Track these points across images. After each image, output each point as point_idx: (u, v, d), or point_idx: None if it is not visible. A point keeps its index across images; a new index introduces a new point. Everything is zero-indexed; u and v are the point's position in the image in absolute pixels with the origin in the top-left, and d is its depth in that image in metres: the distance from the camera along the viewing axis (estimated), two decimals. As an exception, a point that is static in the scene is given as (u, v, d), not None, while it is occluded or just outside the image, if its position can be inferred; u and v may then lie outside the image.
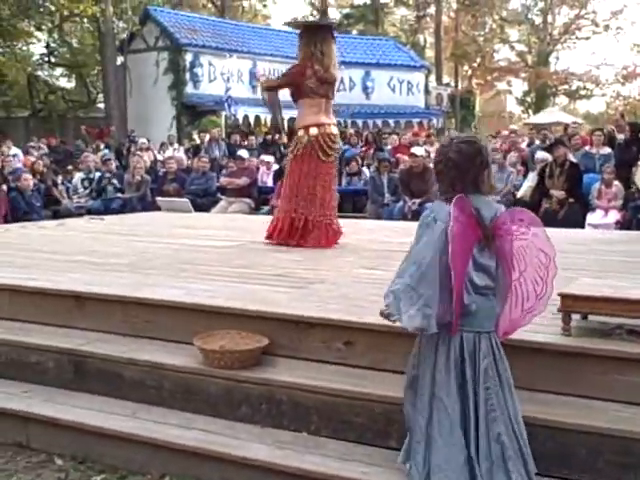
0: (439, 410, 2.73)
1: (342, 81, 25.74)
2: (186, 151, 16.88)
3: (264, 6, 43.36)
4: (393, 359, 3.44)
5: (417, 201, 10.89)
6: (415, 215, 10.59)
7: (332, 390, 3.31)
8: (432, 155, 13.62)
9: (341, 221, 6.56)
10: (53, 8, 26.57)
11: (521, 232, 2.75)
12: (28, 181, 10.43)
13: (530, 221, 2.76)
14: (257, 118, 22.30)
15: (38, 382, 3.95)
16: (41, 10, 26.57)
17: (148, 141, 17.60)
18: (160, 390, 3.65)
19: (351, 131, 20.37)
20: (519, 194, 11.11)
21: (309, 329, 3.66)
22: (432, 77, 32.07)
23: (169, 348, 3.86)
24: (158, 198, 10.48)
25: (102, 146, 17.90)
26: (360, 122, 25.14)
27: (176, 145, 18.20)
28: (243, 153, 12.57)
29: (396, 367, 3.38)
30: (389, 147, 15.72)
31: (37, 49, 32.02)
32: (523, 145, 14.80)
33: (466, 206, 2.70)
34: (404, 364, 3.36)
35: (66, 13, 26.95)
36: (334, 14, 41.25)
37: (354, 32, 37.52)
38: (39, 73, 31.87)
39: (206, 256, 5.61)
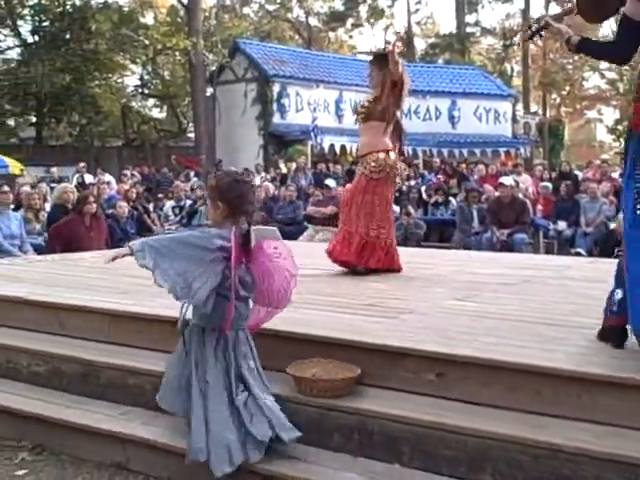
0: (211, 392, 3.38)
1: (428, 110, 25.77)
2: (272, 180, 17.16)
3: (350, 37, 43.98)
4: (487, 393, 3.40)
5: (506, 232, 10.75)
6: (504, 246, 10.46)
7: (424, 422, 3.29)
8: (520, 185, 13.47)
9: (427, 251, 6.54)
10: (147, 42, 27.63)
11: (275, 256, 3.54)
12: (123, 208, 10.80)
13: (281, 248, 3.59)
14: (343, 147, 22.51)
15: (135, 404, 4.07)
16: (136, 44, 27.66)
17: (258, 173, 17.95)
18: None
19: (436, 160, 20.33)
20: (612, 225, 10.83)
21: (400, 359, 3.66)
22: (519, 106, 31.76)
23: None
24: (247, 226, 10.66)
25: (192, 174, 18.39)
26: (445, 151, 25.04)
27: (263, 174, 18.52)
28: (330, 182, 12.70)
29: (491, 401, 3.35)
30: (475, 177, 15.60)
31: (131, 81, 33.32)
32: (615, 175, 14.45)
33: (238, 234, 3.42)
34: (500, 398, 3.34)
35: (159, 47, 28.00)
36: (420, 44, 41.37)
37: (440, 61, 37.51)
38: (133, 104, 33.09)
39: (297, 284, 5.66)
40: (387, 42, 6.79)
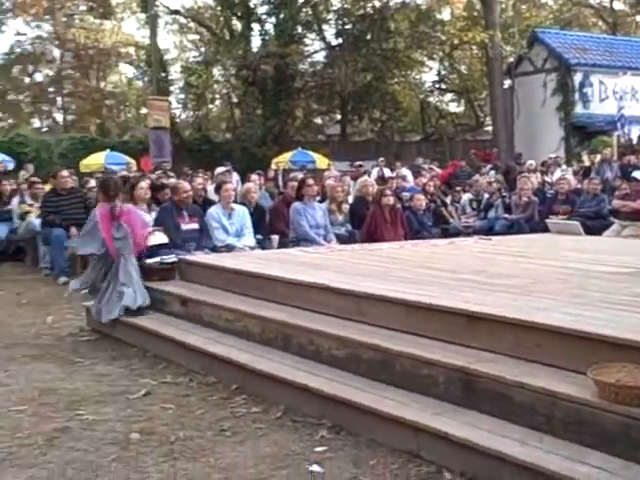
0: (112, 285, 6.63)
1: None
2: (574, 173, 16.37)
3: (665, 18, 40.42)
4: None
5: None
6: None
7: None
8: None
9: None
10: (444, 38, 27.84)
11: (128, 210, 6.91)
12: (421, 201, 10.97)
13: (130, 208, 7.15)
14: (654, 137, 20.84)
15: (428, 395, 4.08)
16: (433, 40, 28.01)
17: (558, 166, 17.38)
18: (550, 418, 3.52)
19: None
20: None
21: None
22: None
23: (560, 375, 3.70)
24: (548, 220, 10.29)
25: (488, 167, 18.18)
26: None
27: (564, 166, 17.77)
28: (638, 174, 11.76)
29: None
30: None
31: (429, 77, 33.79)
32: None
33: (105, 208, 6.70)
34: None
35: (456, 42, 28.05)
36: None
37: None
38: (430, 99, 33.52)
39: (599, 282, 5.33)
40: None
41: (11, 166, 20.32)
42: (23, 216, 11.32)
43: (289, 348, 5.07)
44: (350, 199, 11.34)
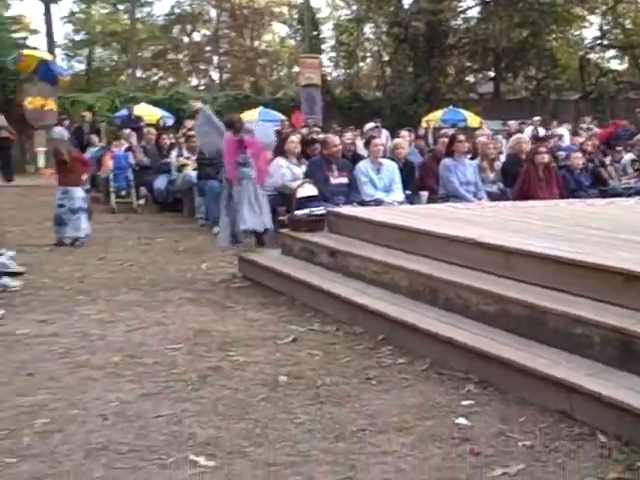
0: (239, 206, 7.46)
1: None
2: None
3: None
4: None
5: None
6: None
7: None
8: None
9: None
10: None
11: (255, 143, 7.54)
12: (577, 160, 10.52)
13: (256, 140, 7.67)
14: None
15: (582, 354, 3.92)
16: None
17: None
18: None
19: None
20: None
21: None
22: None
23: None
24: None
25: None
26: None
27: None
28: None
29: None
30: None
31: (589, 33, 32.12)
32: None
33: (232, 137, 7.53)
34: None
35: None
36: None
37: None
38: (591, 56, 31.90)
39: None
40: None
41: (170, 122, 21.24)
42: (181, 168, 11.80)
43: (436, 302, 5.02)
44: (502, 158, 11.03)
